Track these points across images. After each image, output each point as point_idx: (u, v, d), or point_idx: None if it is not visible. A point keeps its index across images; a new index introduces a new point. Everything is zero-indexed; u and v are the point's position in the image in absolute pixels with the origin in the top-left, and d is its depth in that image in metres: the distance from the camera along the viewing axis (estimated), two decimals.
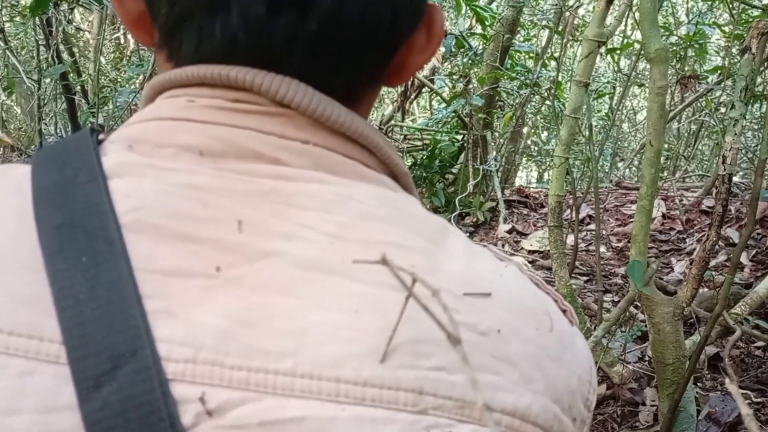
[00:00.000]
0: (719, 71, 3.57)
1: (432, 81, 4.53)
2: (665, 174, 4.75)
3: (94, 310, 0.30)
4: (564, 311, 0.41)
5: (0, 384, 0.30)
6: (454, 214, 3.64)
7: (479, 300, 0.35)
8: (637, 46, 2.81)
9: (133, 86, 3.79)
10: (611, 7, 1.92)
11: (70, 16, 3.70)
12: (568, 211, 2.66)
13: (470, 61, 3.83)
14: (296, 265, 0.33)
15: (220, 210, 0.34)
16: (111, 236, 0.32)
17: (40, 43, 3.32)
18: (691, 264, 1.63)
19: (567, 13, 3.71)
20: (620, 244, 3.20)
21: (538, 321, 0.38)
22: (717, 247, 2.38)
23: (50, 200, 0.33)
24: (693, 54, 3.93)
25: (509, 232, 3.57)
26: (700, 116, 4.72)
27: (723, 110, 3.95)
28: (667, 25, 4.34)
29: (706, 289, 2.26)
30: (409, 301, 0.30)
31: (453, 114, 4.05)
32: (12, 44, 4.06)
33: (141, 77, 3.24)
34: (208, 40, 0.37)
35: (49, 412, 0.29)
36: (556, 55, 3.78)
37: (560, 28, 3.62)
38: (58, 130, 4.23)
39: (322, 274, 0.33)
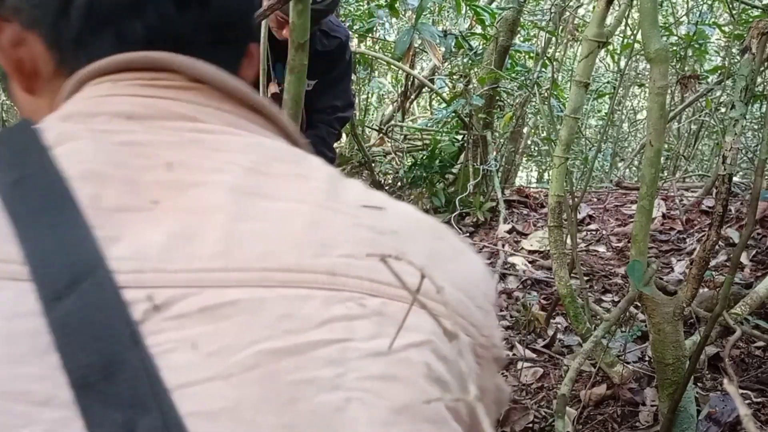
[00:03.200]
0: (719, 71, 3.57)
1: (432, 81, 4.53)
2: (665, 174, 4.75)
3: (53, 240, 0.36)
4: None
5: None
6: (454, 214, 3.64)
7: (376, 211, 0.43)
8: (637, 46, 2.80)
9: None
10: (611, 7, 1.91)
11: None
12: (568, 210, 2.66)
13: (470, 61, 3.83)
14: (223, 189, 0.40)
15: (153, 158, 0.40)
16: (61, 187, 0.37)
17: None
18: (691, 264, 1.63)
19: (567, 13, 3.72)
20: (620, 244, 3.20)
21: (431, 230, 0.45)
22: (717, 247, 2.38)
23: (3, 164, 0.39)
24: (693, 54, 3.93)
25: (509, 232, 3.57)
26: (700, 116, 4.72)
27: (723, 110, 3.95)
28: (667, 25, 4.34)
29: (706, 289, 2.26)
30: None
31: (453, 114, 4.05)
32: None
33: None
34: (127, 40, 0.45)
35: (14, 318, 0.34)
36: (556, 55, 3.78)
37: (560, 29, 3.62)
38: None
39: (245, 195, 0.40)
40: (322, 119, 2.49)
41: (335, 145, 2.78)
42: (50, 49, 0.46)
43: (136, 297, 0.35)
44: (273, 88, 2.19)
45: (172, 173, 0.40)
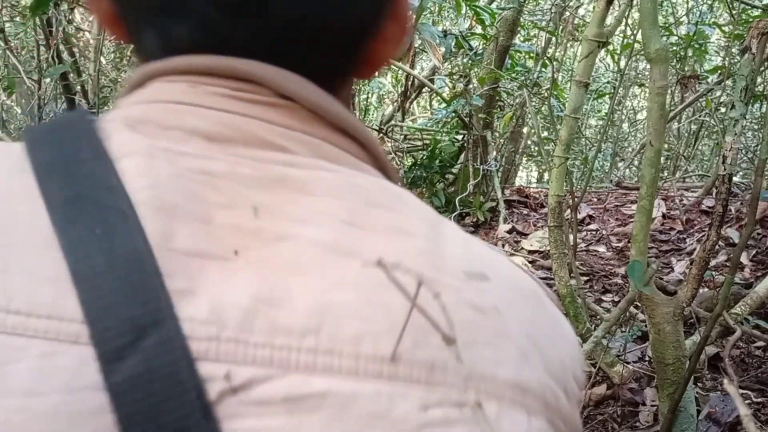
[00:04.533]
0: (719, 71, 3.57)
1: (432, 81, 4.53)
2: (665, 174, 4.75)
3: (112, 281, 0.30)
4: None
5: (21, 366, 0.29)
6: (454, 214, 3.64)
7: (478, 282, 0.37)
8: (637, 46, 2.80)
9: None
10: (611, 7, 1.91)
11: (70, 16, 3.69)
12: (568, 210, 2.67)
13: (470, 61, 3.83)
14: (314, 247, 0.34)
15: (235, 196, 0.34)
16: (124, 209, 0.31)
17: (40, 43, 3.32)
18: (691, 264, 1.63)
19: (567, 13, 3.72)
20: (620, 244, 3.20)
21: (532, 301, 0.39)
22: (717, 247, 2.38)
23: (55, 175, 0.33)
24: (693, 54, 3.93)
25: (509, 232, 3.57)
26: (700, 116, 4.72)
27: (723, 110, 3.95)
28: (667, 25, 4.34)
29: (706, 289, 2.26)
30: (420, 288, 0.32)
31: (453, 114, 4.05)
32: (12, 44, 4.06)
33: None
34: (171, 41, 0.38)
35: (73, 392, 0.29)
36: (556, 55, 3.78)
37: (560, 29, 3.62)
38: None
39: (339, 255, 0.34)
40: None
41: None
42: (120, 21, 0.41)
43: (211, 373, 0.30)
44: None
45: (257, 221, 0.34)
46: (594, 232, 3.45)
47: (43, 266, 0.31)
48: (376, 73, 0.47)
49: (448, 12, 5.13)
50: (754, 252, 2.78)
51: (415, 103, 5.63)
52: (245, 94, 0.37)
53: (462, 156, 4.11)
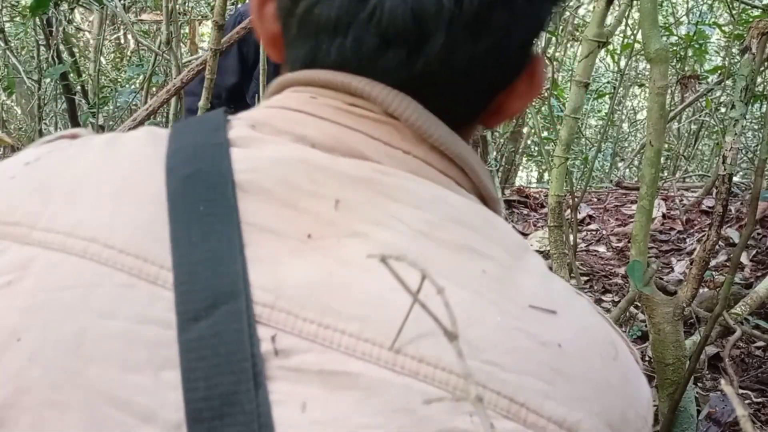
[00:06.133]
0: (719, 71, 3.57)
1: None
2: (665, 174, 4.75)
3: (204, 252, 0.34)
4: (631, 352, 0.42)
5: (102, 290, 0.34)
6: None
7: (544, 315, 0.37)
8: (637, 46, 2.81)
9: (133, 86, 3.79)
10: (611, 7, 1.91)
11: (70, 16, 3.69)
12: (568, 210, 2.67)
13: None
14: (380, 248, 0.36)
15: (324, 187, 0.37)
16: (227, 192, 0.36)
17: (40, 43, 3.32)
18: (691, 264, 1.63)
19: (567, 13, 3.71)
20: (620, 244, 3.20)
21: (603, 348, 0.39)
22: (717, 247, 2.38)
23: (183, 155, 0.38)
24: (693, 54, 3.93)
25: None
26: (700, 116, 4.72)
27: (723, 110, 3.95)
28: (667, 25, 4.34)
29: (706, 289, 2.26)
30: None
31: None
32: (12, 44, 4.05)
33: (141, 77, 3.24)
34: (317, 57, 0.41)
35: (141, 323, 0.33)
36: (556, 55, 3.78)
37: (560, 29, 3.62)
38: (59, 131, 4.20)
39: (403, 263, 0.36)
40: None
41: None
42: (282, 35, 0.44)
43: (263, 334, 0.33)
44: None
45: (336, 213, 0.37)
46: (594, 232, 3.45)
47: (146, 219, 0.36)
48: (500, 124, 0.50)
49: None
50: (754, 252, 2.78)
51: None
52: (356, 108, 0.40)
53: None
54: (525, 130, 4.84)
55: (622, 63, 3.83)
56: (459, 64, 0.39)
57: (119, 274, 0.34)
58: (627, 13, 2.69)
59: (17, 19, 4.07)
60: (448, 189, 0.40)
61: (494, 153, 3.99)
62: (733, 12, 3.29)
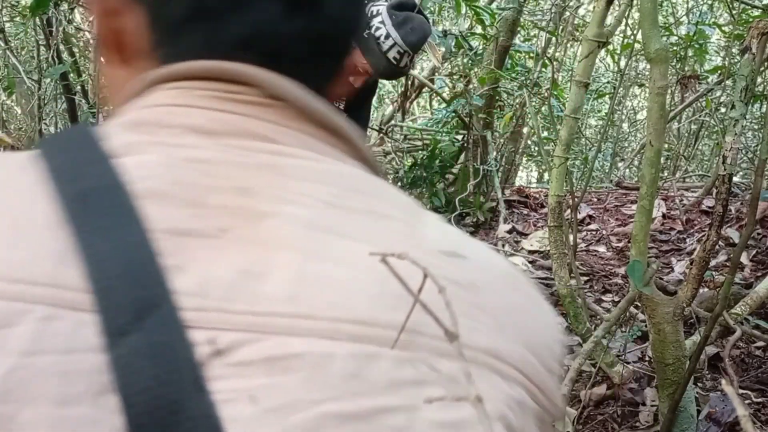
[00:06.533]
0: (719, 71, 3.57)
1: (432, 81, 4.53)
2: (665, 174, 4.75)
3: (117, 266, 0.33)
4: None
5: (23, 328, 0.32)
6: (454, 214, 3.64)
7: (456, 259, 0.40)
8: (637, 46, 2.81)
9: None
10: (611, 7, 1.91)
11: (70, 16, 3.69)
12: (568, 210, 2.67)
13: (470, 61, 3.83)
14: (295, 223, 0.37)
15: (223, 179, 0.37)
16: (125, 203, 0.35)
17: (40, 43, 3.32)
18: (691, 264, 1.63)
19: (567, 13, 3.72)
20: (620, 244, 3.20)
21: (509, 280, 0.43)
22: (717, 247, 2.38)
23: (65, 175, 0.36)
24: (693, 54, 3.93)
25: (509, 232, 3.57)
26: (700, 116, 4.72)
27: (723, 110, 3.95)
28: (667, 25, 4.34)
29: (706, 289, 2.26)
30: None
31: (453, 114, 4.05)
32: (12, 44, 4.05)
33: None
34: (219, 38, 0.42)
35: (70, 353, 0.32)
36: (556, 55, 3.78)
37: (560, 29, 3.62)
38: (59, 130, 4.21)
39: (320, 232, 0.37)
40: None
41: None
42: (151, 27, 0.43)
43: (198, 339, 0.33)
44: None
45: (242, 199, 0.37)
46: (594, 232, 3.45)
47: (47, 245, 0.34)
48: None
49: (448, 12, 5.13)
50: (754, 252, 2.78)
51: (415, 103, 5.63)
52: (237, 95, 0.41)
53: (462, 156, 4.10)
54: (525, 130, 4.84)
55: (622, 63, 3.83)
56: (344, 17, 0.44)
57: (38, 307, 0.32)
58: (627, 13, 2.69)
59: (17, 19, 4.07)
60: (342, 162, 0.42)
61: (494, 153, 3.99)
62: (733, 12, 3.29)
